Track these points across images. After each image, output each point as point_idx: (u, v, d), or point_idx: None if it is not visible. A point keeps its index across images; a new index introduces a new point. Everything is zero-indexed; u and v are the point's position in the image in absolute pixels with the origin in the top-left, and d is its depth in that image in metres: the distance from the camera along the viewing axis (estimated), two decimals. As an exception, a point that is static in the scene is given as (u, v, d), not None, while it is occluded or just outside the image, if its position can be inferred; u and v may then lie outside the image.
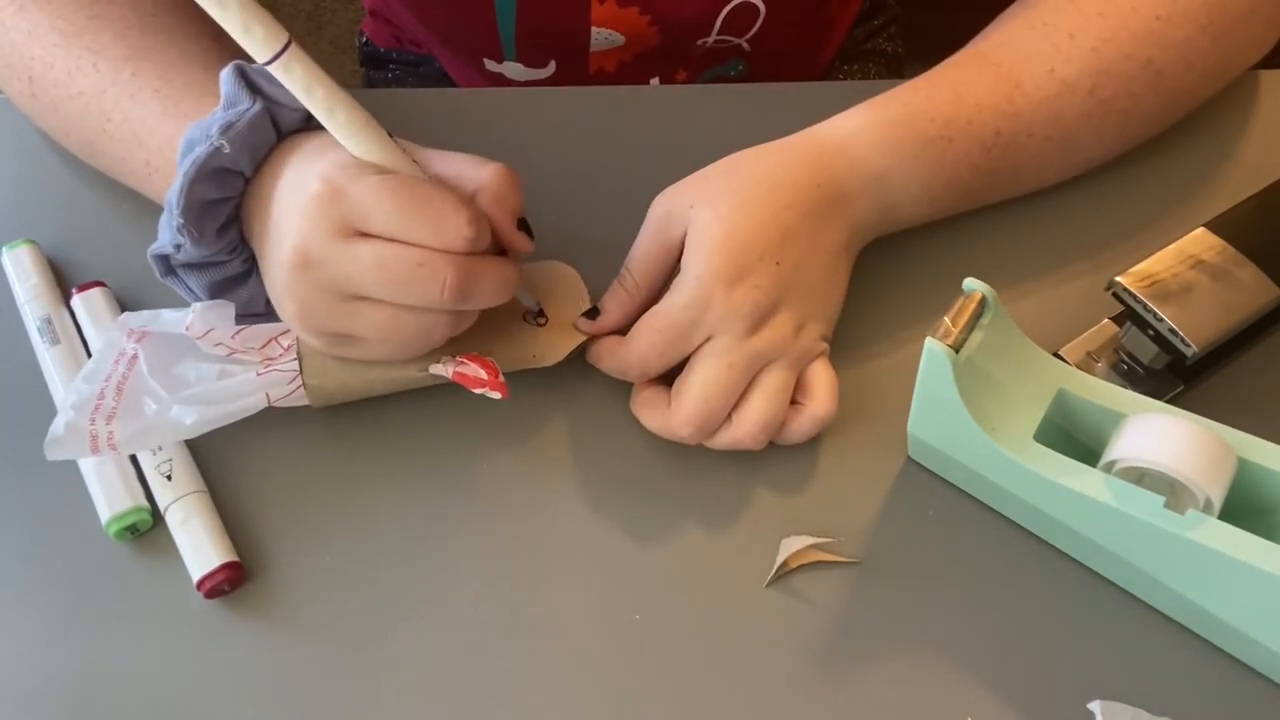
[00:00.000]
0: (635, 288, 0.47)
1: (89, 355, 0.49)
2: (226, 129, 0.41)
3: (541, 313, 0.48)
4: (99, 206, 0.55)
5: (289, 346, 0.46)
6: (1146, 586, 0.43)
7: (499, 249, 0.44)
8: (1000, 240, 0.54)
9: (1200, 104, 0.55)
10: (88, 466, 0.46)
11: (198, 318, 0.44)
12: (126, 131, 0.48)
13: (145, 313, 0.46)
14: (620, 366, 0.47)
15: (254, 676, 0.43)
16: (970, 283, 0.43)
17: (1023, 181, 0.53)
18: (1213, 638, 0.43)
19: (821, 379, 0.47)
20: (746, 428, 0.45)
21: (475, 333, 0.46)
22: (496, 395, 0.44)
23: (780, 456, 0.48)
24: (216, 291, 0.45)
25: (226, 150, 0.41)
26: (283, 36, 0.38)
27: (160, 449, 0.46)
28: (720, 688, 0.42)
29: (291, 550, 0.45)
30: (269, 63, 0.38)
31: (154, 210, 0.45)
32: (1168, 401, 0.46)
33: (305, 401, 0.46)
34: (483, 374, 0.44)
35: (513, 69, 0.71)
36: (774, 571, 0.45)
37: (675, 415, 0.45)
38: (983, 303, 0.42)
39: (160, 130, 0.47)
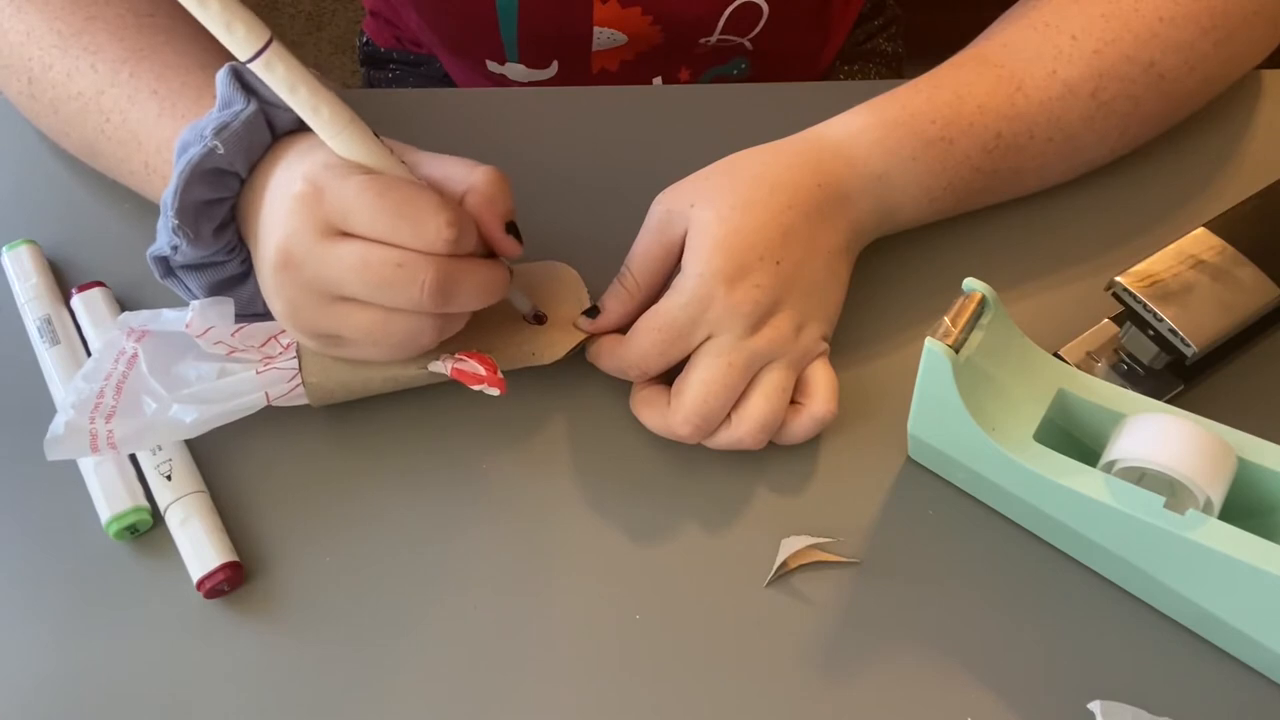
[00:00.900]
0: (635, 287, 0.47)
1: (89, 355, 0.49)
2: (221, 130, 0.41)
3: (539, 315, 0.48)
4: (99, 207, 0.55)
5: (288, 345, 0.46)
6: (1146, 586, 0.43)
7: (490, 252, 0.44)
8: (1000, 240, 0.54)
9: (1202, 105, 0.55)
10: (88, 466, 0.46)
11: (197, 315, 0.44)
12: (124, 132, 0.48)
13: (145, 312, 0.46)
14: (620, 365, 0.47)
15: (254, 676, 0.43)
16: (970, 283, 0.43)
17: (1024, 183, 0.53)
18: (1213, 638, 0.43)
19: (821, 379, 0.47)
20: (746, 427, 0.45)
21: (474, 332, 0.46)
22: (495, 391, 0.44)
23: (780, 456, 0.48)
24: (216, 292, 0.45)
25: (221, 151, 0.41)
26: (264, 34, 0.38)
27: (160, 449, 0.46)
28: (720, 687, 0.42)
29: (291, 550, 0.45)
30: (250, 60, 0.38)
31: (153, 211, 0.45)
32: (1168, 401, 0.46)
33: (304, 400, 0.46)
34: (480, 370, 0.44)
35: (515, 70, 0.71)
36: (774, 571, 0.45)
37: (675, 414, 0.45)
38: (983, 303, 0.42)
39: (158, 131, 0.47)
